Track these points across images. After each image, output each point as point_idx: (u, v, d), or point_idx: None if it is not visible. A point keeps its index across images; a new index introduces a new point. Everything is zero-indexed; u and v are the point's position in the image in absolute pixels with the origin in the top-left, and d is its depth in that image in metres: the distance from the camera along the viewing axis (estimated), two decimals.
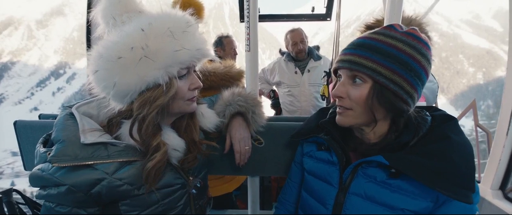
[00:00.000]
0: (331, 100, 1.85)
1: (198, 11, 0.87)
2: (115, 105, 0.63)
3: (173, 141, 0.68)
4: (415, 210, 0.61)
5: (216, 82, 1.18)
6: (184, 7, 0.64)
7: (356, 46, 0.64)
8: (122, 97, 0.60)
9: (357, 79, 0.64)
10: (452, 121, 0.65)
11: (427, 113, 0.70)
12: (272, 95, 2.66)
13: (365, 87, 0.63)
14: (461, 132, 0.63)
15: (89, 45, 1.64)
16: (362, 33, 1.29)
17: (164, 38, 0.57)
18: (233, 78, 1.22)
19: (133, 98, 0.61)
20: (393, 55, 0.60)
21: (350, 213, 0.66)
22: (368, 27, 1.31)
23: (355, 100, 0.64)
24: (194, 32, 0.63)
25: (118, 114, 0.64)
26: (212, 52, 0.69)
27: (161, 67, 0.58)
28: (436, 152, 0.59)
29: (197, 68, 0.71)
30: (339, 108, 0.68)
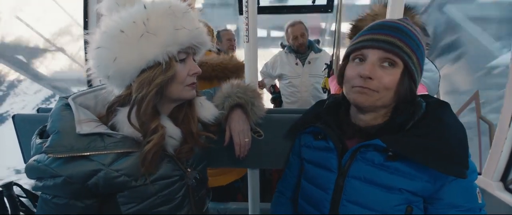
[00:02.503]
0: (332, 92, 1.83)
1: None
2: (114, 89, 0.63)
3: (169, 128, 0.67)
4: (412, 190, 0.63)
5: (208, 73, 1.16)
6: None
7: (393, 29, 0.63)
8: (122, 78, 0.60)
9: (387, 63, 0.63)
10: (444, 105, 0.68)
11: (422, 99, 0.71)
12: (272, 90, 2.71)
13: (397, 72, 0.63)
14: (453, 115, 0.66)
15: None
16: (351, 34, 1.24)
17: (165, 16, 0.59)
18: (227, 69, 1.20)
19: (133, 79, 0.60)
20: (419, 45, 0.64)
21: (350, 195, 0.68)
22: (355, 27, 1.25)
23: (384, 84, 0.63)
24: (194, 16, 0.64)
25: (116, 99, 0.63)
26: (209, 41, 0.69)
27: (161, 45, 0.58)
28: (429, 133, 0.62)
29: (196, 58, 0.71)
30: (362, 88, 0.65)
